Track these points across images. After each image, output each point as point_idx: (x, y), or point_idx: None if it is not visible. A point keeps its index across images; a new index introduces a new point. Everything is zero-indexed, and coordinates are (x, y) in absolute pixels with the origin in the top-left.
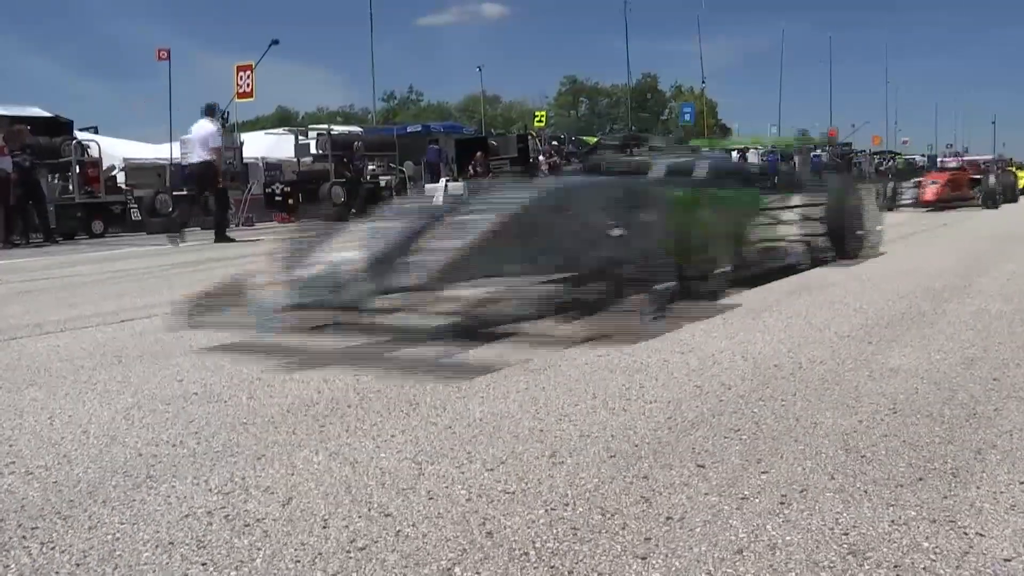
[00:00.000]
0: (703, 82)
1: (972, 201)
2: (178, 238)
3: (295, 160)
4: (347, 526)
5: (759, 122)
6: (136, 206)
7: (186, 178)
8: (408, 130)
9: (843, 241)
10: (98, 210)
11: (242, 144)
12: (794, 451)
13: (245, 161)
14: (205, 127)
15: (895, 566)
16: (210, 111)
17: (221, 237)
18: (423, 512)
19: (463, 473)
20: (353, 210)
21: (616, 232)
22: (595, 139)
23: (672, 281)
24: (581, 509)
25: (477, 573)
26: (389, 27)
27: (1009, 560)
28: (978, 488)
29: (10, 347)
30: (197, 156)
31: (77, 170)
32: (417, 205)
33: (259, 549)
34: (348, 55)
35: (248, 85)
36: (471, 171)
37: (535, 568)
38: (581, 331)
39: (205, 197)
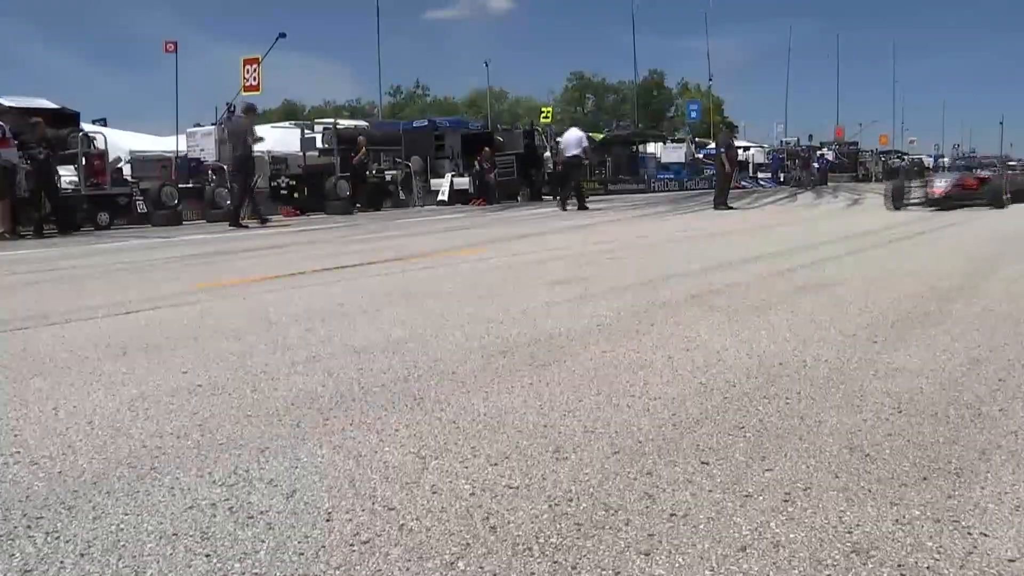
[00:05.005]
0: (710, 79)
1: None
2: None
3: (301, 154)
4: (351, 519)
5: (765, 120)
6: (141, 198)
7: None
8: (414, 125)
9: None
10: (104, 202)
11: None
12: (798, 449)
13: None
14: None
15: (898, 565)
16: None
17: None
18: (427, 506)
19: (467, 468)
20: (358, 204)
21: None
22: (601, 135)
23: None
24: (585, 505)
25: (480, 567)
26: (396, 21)
27: (1013, 561)
28: (982, 488)
29: (16, 337)
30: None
31: (83, 162)
32: None
33: (263, 542)
34: (355, 49)
35: (255, 78)
36: (477, 166)
37: (538, 563)
38: None
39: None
